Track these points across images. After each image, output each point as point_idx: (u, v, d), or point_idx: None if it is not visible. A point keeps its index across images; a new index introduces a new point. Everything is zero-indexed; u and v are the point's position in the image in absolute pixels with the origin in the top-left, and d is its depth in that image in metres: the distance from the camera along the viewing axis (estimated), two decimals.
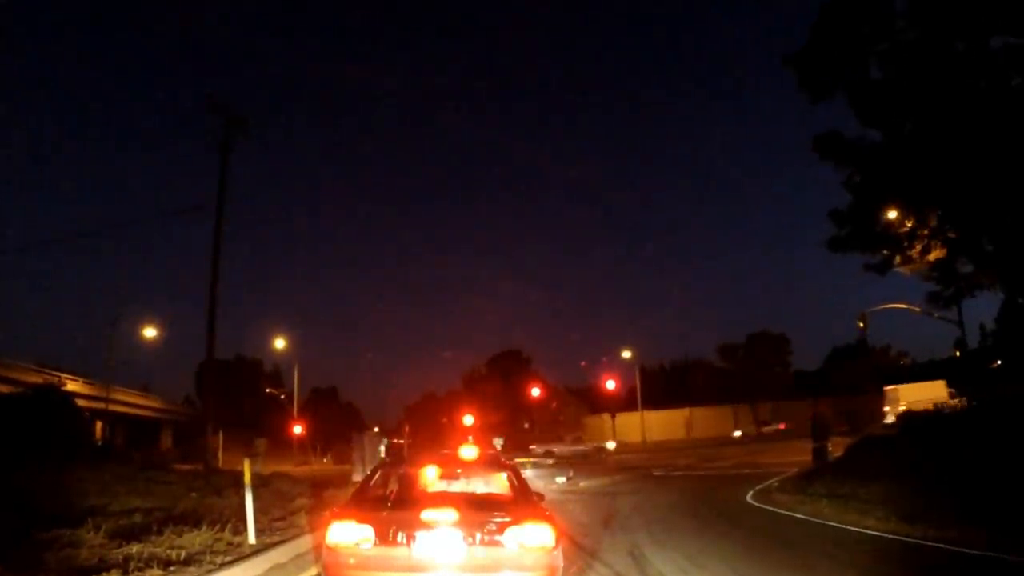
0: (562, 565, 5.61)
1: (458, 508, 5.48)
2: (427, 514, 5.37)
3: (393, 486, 6.95)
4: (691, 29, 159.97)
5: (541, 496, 6.64)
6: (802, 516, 13.60)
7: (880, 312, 33.69)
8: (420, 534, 5.22)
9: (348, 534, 5.29)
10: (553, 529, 5.44)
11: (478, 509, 5.64)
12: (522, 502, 6.00)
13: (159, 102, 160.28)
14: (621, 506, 16.44)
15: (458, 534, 5.23)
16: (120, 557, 7.64)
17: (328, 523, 5.47)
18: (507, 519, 5.38)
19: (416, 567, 5.16)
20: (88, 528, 8.80)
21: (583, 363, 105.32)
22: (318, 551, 5.94)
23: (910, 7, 19.33)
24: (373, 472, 6.92)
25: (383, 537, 5.22)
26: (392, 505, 5.93)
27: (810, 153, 22.22)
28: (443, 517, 5.32)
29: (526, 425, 66.69)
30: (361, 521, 5.31)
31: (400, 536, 5.22)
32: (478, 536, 5.24)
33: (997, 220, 19.75)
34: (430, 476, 7.26)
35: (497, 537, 5.25)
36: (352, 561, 5.21)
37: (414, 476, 7.19)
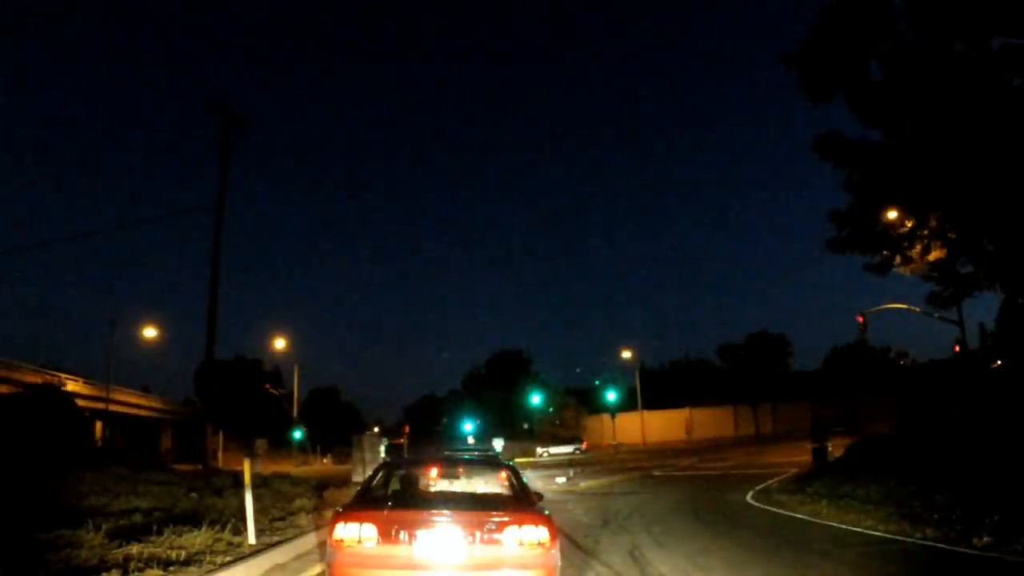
0: (560, 564, 5.72)
1: (458, 507, 5.69)
2: (428, 513, 5.52)
3: (395, 486, 7.05)
4: (691, 29, 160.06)
5: (540, 496, 6.74)
6: (802, 516, 13.60)
7: (880, 312, 33.64)
8: (421, 533, 5.31)
9: (352, 533, 5.38)
10: (550, 528, 5.53)
11: (478, 508, 5.84)
12: (521, 502, 6.17)
13: (160, 102, 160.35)
14: (621, 506, 16.44)
15: (458, 533, 5.32)
16: (120, 557, 7.63)
17: (333, 522, 5.57)
18: (506, 518, 5.48)
19: (417, 565, 5.26)
20: (88, 528, 8.78)
21: (578, 370, 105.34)
22: (323, 549, 6.09)
23: (910, 8, 19.30)
24: (376, 472, 7.04)
25: (386, 535, 5.32)
26: (394, 504, 6.05)
27: (811, 153, 22.21)
28: (443, 516, 5.45)
29: (525, 426, 66.50)
30: (364, 520, 5.40)
31: (402, 535, 5.31)
32: (477, 535, 5.32)
33: (997, 220, 19.72)
34: (431, 476, 7.48)
35: (496, 536, 5.35)
36: (356, 559, 5.33)
37: (416, 476, 7.33)
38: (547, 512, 5.93)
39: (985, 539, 9.06)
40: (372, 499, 6.25)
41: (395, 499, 6.52)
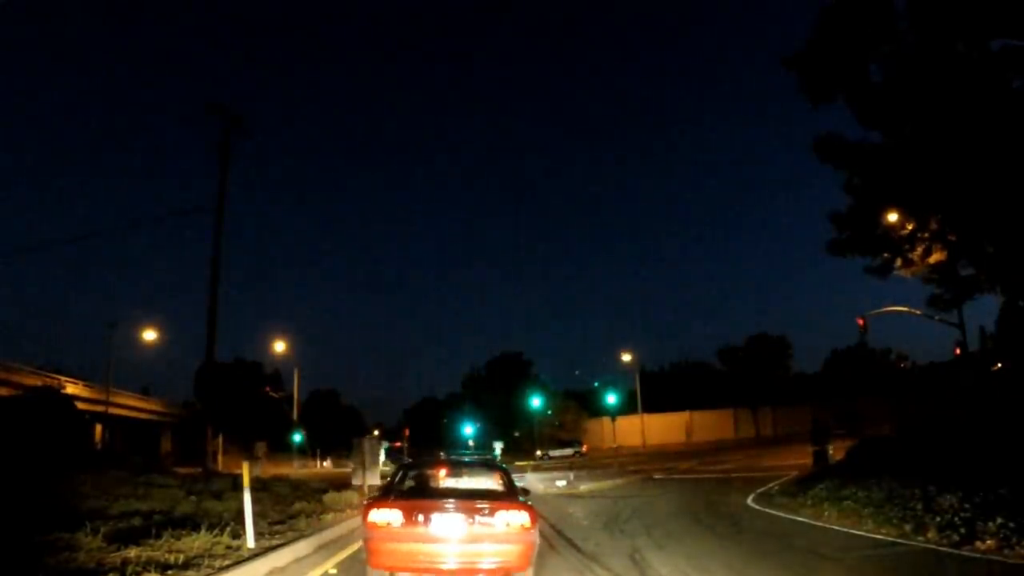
0: (538, 541, 7.36)
1: (461, 498, 7.39)
2: (439, 502, 7.22)
3: (411, 483, 8.63)
4: (692, 30, 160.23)
5: (527, 491, 8.23)
6: (803, 520, 13.56)
7: (881, 315, 33.55)
8: (434, 516, 6.99)
9: (383, 516, 7.05)
10: (531, 515, 7.17)
11: (476, 499, 7.43)
12: (510, 495, 7.70)
13: (159, 103, 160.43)
14: (622, 509, 16.38)
15: (461, 517, 6.97)
16: (118, 561, 7.58)
17: (367, 509, 7.28)
18: (497, 507, 7.13)
19: (432, 539, 6.94)
20: (86, 531, 8.74)
21: (576, 372, 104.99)
22: (360, 531, 7.72)
23: (910, 9, 19.27)
24: (396, 472, 8.81)
25: (408, 518, 6.99)
26: (413, 496, 7.79)
27: (811, 155, 22.16)
28: (450, 504, 7.12)
29: (516, 434, 66.19)
30: (392, 507, 7.12)
31: (420, 517, 6.98)
32: (476, 518, 6.97)
33: (997, 222, 19.66)
34: (440, 475, 9.34)
35: (489, 519, 6.98)
36: (386, 535, 7.01)
37: (428, 475, 9.24)
38: (530, 503, 7.53)
39: (988, 542, 9.02)
40: (396, 492, 7.83)
41: (413, 492, 8.13)
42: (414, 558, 6.97)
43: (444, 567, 6.92)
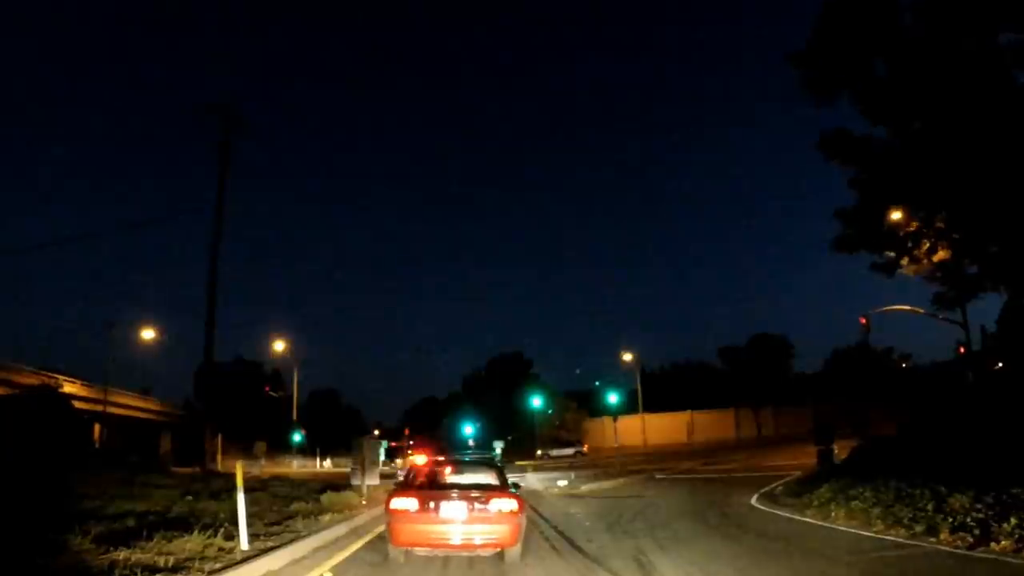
0: (524, 524, 9.31)
1: (463, 489, 9.26)
2: (446, 492, 9.14)
3: (422, 479, 10.39)
4: (692, 29, 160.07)
5: (518, 486, 9.96)
6: (809, 520, 13.32)
7: (883, 313, 33.35)
8: (443, 503, 8.87)
9: (402, 504, 8.93)
10: (519, 502, 9.11)
11: (475, 490, 9.27)
12: (503, 487, 9.70)
13: (159, 103, 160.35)
14: (624, 510, 16.13)
15: (463, 503, 8.84)
16: (106, 563, 7.35)
17: (389, 498, 9.30)
18: (491, 495, 9.03)
19: (441, 521, 8.78)
20: (76, 533, 8.52)
21: (577, 371, 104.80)
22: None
23: (915, 3, 19.01)
24: (408, 471, 11.03)
25: (422, 505, 8.87)
26: (426, 487, 9.67)
27: (814, 153, 21.88)
28: (455, 494, 9.03)
29: (510, 437, 65.89)
30: (408, 496, 9.05)
31: (431, 504, 8.86)
32: (475, 504, 8.84)
33: (1000, 221, 19.40)
34: (446, 471, 11.03)
35: (485, 506, 8.85)
36: (405, 518, 8.85)
37: (435, 472, 10.93)
38: (519, 495, 9.46)
39: (1004, 543, 8.78)
40: (412, 485, 9.96)
41: (425, 485, 9.93)
42: (427, 536, 8.81)
43: (450, 543, 8.79)
